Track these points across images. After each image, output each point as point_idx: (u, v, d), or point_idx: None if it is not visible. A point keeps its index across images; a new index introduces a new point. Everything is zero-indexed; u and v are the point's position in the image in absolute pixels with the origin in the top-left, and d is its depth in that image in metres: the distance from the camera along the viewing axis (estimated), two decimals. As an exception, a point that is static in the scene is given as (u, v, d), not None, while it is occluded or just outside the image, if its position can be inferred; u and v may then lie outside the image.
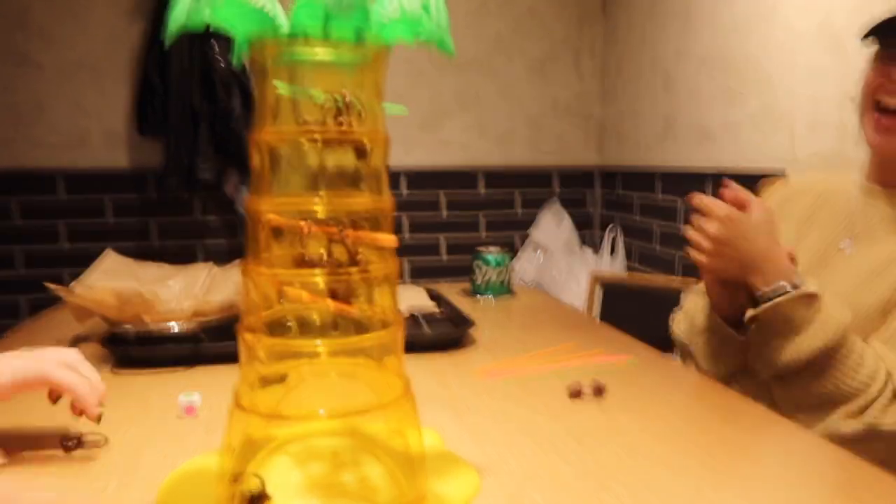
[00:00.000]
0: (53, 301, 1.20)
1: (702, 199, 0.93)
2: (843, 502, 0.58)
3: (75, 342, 1.05)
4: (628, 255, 2.98)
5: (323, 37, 0.50)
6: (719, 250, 0.89)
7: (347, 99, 0.52)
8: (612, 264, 2.95)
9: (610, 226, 3.08)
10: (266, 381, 0.52)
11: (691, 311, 1.04)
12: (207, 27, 0.52)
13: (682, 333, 1.06)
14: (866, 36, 0.93)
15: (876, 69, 0.93)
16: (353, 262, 0.50)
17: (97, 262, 1.17)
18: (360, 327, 0.53)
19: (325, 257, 0.50)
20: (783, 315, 0.84)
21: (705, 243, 0.90)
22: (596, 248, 3.24)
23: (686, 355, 1.05)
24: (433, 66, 3.07)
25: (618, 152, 3.09)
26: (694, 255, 0.92)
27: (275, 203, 0.51)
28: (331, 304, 0.50)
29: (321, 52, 0.52)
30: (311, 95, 0.51)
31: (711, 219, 0.90)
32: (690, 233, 0.93)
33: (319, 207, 0.50)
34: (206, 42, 2.67)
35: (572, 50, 3.20)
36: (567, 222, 3.14)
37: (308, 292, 0.50)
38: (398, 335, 0.54)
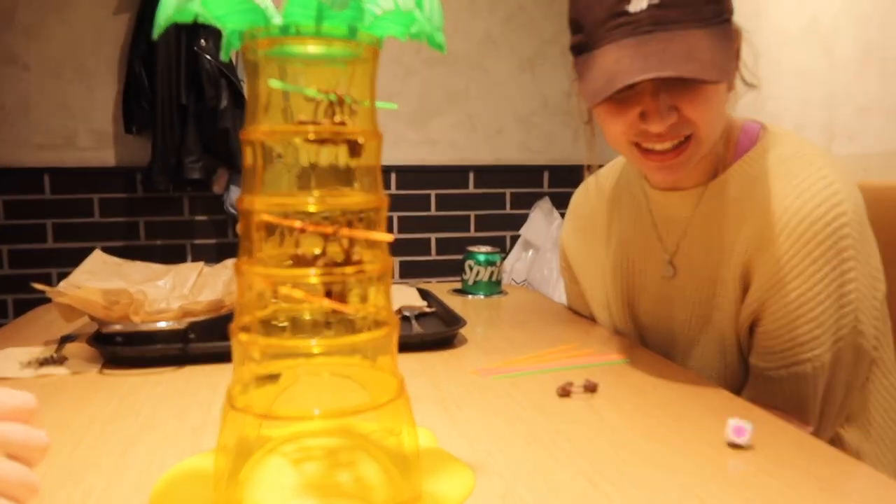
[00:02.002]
0: (40, 300, 1.19)
1: None
2: (831, 499, 0.58)
3: (63, 342, 1.04)
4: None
5: (316, 31, 0.49)
6: None
7: (340, 95, 0.51)
8: (602, 262, 2.96)
9: (599, 224, 3.08)
10: (260, 381, 0.51)
11: None
12: (196, 21, 0.51)
13: None
14: (589, 106, 0.87)
15: (610, 112, 0.85)
16: (348, 260, 0.50)
17: (85, 261, 1.16)
18: (355, 326, 0.52)
19: (319, 256, 0.50)
20: None
21: None
22: (586, 245, 3.25)
23: None
24: (423, 63, 3.07)
25: (608, 149, 3.09)
26: None
27: (268, 201, 0.50)
28: (326, 304, 0.49)
29: (314, 47, 0.51)
30: (303, 91, 0.51)
31: None
32: None
33: (313, 205, 0.50)
34: (193, 37, 2.65)
35: (562, 48, 3.21)
36: (557, 221, 3.15)
37: (303, 291, 0.49)
38: (393, 334, 0.54)
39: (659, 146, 0.84)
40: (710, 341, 0.95)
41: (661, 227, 1.00)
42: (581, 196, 1.19)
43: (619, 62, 0.75)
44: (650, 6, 0.74)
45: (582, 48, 0.84)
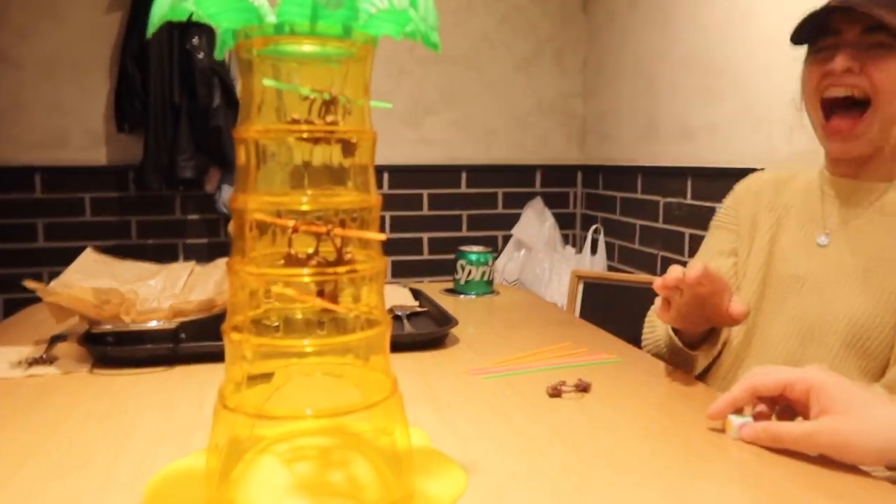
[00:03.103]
0: (31, 300, 1.18)
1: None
2: (822, 499, 0.59)
3: (53, 341, 1.04)
4: (609, 254, 3.00)
5: (310, 30, 0.49)
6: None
7: (334, 94, 0.51)
8: (594, 262, 2.97)
9: (594, 227, 3.09)
10: (252, 381, 0.51)
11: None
12: (189, 19, 0.51)
13: (650, 338, 1.08)
14: (795, 41, 0.98)
15: (811, 69, 0.98)
16: (341, 260, 0.50)
17: (76, 260, 1.15)
18: (347, 326, 0.52)
19: (312, 255, 0.50)
20: None
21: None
22: (578, 246, 3.25)
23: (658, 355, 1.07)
24: (416, 62, 3.07)
25: (600, 150, 3.10)
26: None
27: (261, 201, 0.50)
28: (318, 303, 0.49)
29: (308, 46, 0.51)
30: (297, 90, 0.51)
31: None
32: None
33: (306, 205, 0.50)
34: (185, 36, 2.64)
35: (556, 48, 3.21)
36: (549, 220, 3.15)
37: (295, 291, 0.49)
38: (385, 334, 0.54)
39: (836, 92, 0.94)
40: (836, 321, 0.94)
41: (828, 205, 1.03)
42: (768, 174, 1.19)
43: (825, 9, 0.91)
44: None
45: (802, 26, 0.97)
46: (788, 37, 0.98)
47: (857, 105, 0.93)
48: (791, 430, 0.67)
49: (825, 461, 0.65)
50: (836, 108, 0.95)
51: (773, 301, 1.02)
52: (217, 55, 0.56)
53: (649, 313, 1.10)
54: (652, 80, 2.64)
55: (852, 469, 0.64)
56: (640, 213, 2.76)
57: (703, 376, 1.03)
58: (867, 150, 0.96)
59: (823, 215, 1.03)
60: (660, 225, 2.60)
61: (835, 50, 0.94)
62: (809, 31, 0.96)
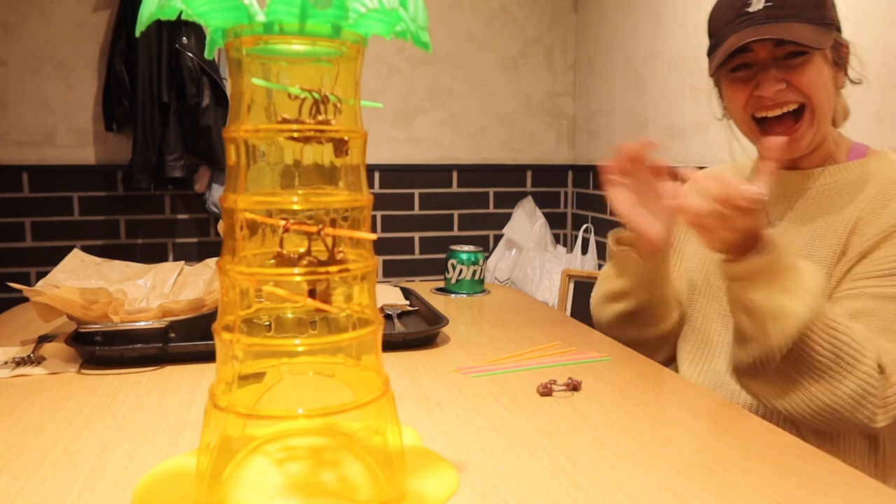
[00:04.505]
0: (18, 300, 1.18)
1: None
2: (809, 496, 0.59)
3: (40, 341, 1.03)
4: (600, 253, 3.01)
5: (300, 30, 0.49)
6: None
7: (323, 93, 0.51)
8: (584, 262, 2.98)
9: (584, 226, 3.10)
10: (243, 380, 0.51)
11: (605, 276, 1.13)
12: (179, 18, 0.51)
13: (600, 297, 1.13)
14: (714, 72, 1.02)
15: (734, 90, 1.01)
16: (332, 259, 0.50)
17: (64, 260, 1.15)
18: (339, 325, 0.52)
19: (303, 255, 0.50)
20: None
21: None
22: (568, 245, 3.26)
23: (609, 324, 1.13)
24: (406, 62, 3.06)
25: (590, 149, 3.11)
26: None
27: (251, 200, 0.50)
28: (309, 303, 0.49)
29: (298, 45, 0.51)
30: (287, 90, 0.51)
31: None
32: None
33: (297, 204, 0.50)
34: (174, 35, 2.63)
35: (545, 47, 3.22)
36: (540, 220, 3.16)
37: (286, 290, 0.49)
38: (377, 333, 0.54)
39: (771, 113, 0.98)
40: None
41: (768, 201, 1.02)
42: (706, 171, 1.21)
43: (737, 40, 0.95)
44: (766, 7, 0.95)
45: (713, 48, 1.02)
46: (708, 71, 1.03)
47: (790, 114, 0.98)
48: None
49: (814, 463, 0.66)
50: (769, 120, 0.99)
51: (720, 300, 1.07)
52: (207, 54, 0.56)
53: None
54: (641, 80, 2.65)
55: (839, 470, 0.64)
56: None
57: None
58: (809, 149, 1.00)
59: (766, 210, 1.06)
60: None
61: (753, 70, 0.98)
62: (726, 60, 0.98)
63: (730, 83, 1.02)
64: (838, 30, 0.99)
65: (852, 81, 1.02)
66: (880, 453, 0.93)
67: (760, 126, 1.00)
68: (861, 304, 0.89)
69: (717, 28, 1.01)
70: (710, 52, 1.03)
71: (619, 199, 1.02)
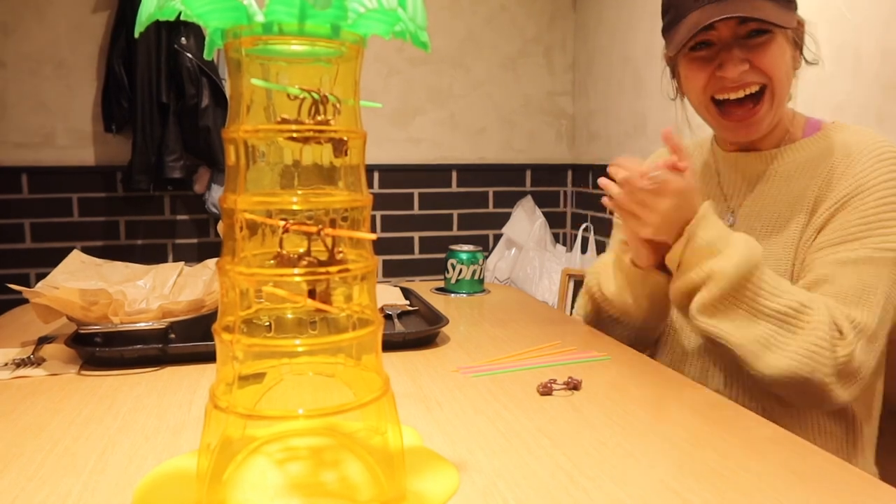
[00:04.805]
0: (18, 301, 1.18)
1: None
2: (808, 492, 0.59)
3: (40, 343, 1.03)
4: (600, 252, 3.01)
5: (299, 30, 0.49)
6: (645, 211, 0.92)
7: (322, 93, 0.51)
8: (584, 261, 2.98)
9: (584, 225, 3.10)
10: (244, 381, 0.51)
11: (599, 268, 1.14)
12: (178, 19, 0.51)
13: (593, 290, 1.13)
14: (672, 54, 0.99)
15: (694, 69, 0.98)
16: (332, 259, 0.50)
17: (63, 261, 1.15)
18: (339, 325, 0.52)
19: (303, 255, 0.50)
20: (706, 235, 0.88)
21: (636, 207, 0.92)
22: (568, 244, 3.26)
23: (600, 320, 1.14)
24: (405, 62, 3.06)
25: (589, 149, 3.11)
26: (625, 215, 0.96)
27: (251, 201, 0.50)
28: (309, 303, 0.49)
29: (297, 46, 0.51)
30: (286, 90, 0.51)
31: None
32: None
33: (297, 204, 0.50)
34: (173, 35, 2.63)
35: (544, 47, 3.22)
36: (540, 219, 3.16)
37: (286, 291, 0.49)
38: (377, 333, 0.54)
39: (734, 95, 0.95)
40: None
41: (727, 185, 1.07)
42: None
43: (701, 17, 0.91)
44: None
45: (671, 24, 0.98)
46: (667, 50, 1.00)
47: (750, 96, 0.95)
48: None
49: (811, 460, 0.66)
50: (729, 103, 0.97)
51: None
52: (206, 55, 0.56)
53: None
54: (640, 79, 2.65)
55: (837, 466, 0.64)
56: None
57: None
58: (767, 130, 0.99)
59: (725, 196, 1.06)
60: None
61: (715, 49, 0.95)
62: (683, 41, 0.94)
63: (689, 63, 0.98)
64: (795, 7, 0.97)
65: (808, 62, 1.00)
66: (858, 434, 0.94)
67: (719, 108, 0.97)
68: (818, 273, 0.90)
69: (675, 3, 0.97)
70: (667, 30, 0.99)
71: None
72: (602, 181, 0.94)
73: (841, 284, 0.87)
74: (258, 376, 0.52)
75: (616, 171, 0.92)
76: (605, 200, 0.95)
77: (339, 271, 0.50)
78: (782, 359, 0.83)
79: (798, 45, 0.98)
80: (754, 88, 0.94)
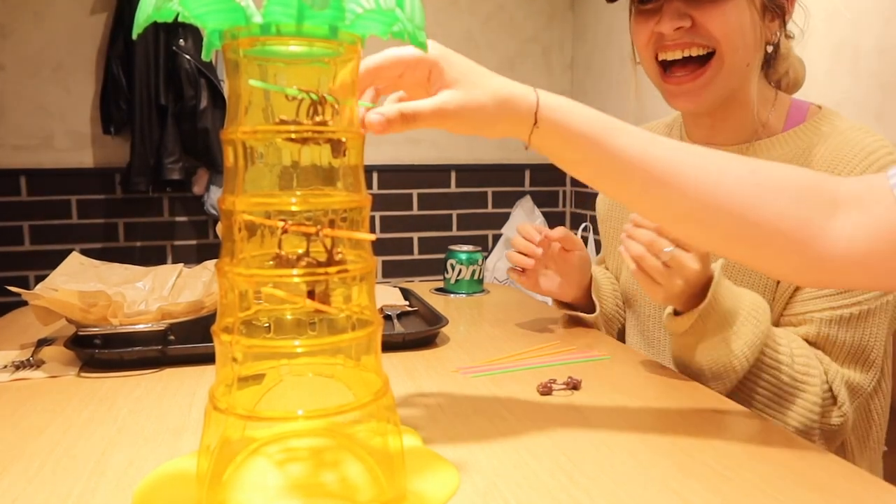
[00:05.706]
0: (16, 304, 1.17)
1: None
2: (808, 492, 0.59)
3: (39, 345, 1.03)
4: (599, 252, 3.01)
5: (296, 31, 0.49)
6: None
7: (320, 94, 0.51)
8: (584, 261, 2.98)
9: (583, 225, 3.10)
10: (243, 382, 0.51)
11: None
12: (176, 20, 0.51)
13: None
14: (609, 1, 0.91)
15: (638, 25, 0.91)
16: (331, 260, 0.50)
17: (62, 263, 1.15)
18: (338, 326, 0.52)
19: (302, 256, 0.50)
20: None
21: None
22: (567, 244, 3.26)
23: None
24: (403, 63, 3.06)
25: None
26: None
27: (250, 202, 0.50)
28: (308, 304, 0.49)
29: (295, 47, 0.51)
30: (284, 91, 0.51)
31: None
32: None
33: (296, 205, 0.50)
34: (172, 37, 2.63)
35: (542, 47, 3.22)
36: (539, 219, 3.16)
37: (285, 292, 0.49)
38: (377, 334, 0.54)
39: (671, 55, 0.87)
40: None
41: None
42: None
43: None
44: None
45: None
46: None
47: (696, 59, 0.88)
48: (423, 106, 0.60)
49: (814, 461, 0.66)
50: (673, 64, 0.89)
51: (649, 305, 1.10)
52: (204, 56, 0.56)
53: None
54: (639, 78, 2.65)
55: (840, 467, 0.64)
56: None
57: None
58: (716, 104, 0.90)
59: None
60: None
61: (660, 2, 0.87)
62: None
63: (636, 16, 0.91)
64: None
65: (787, 36, 0.91)
66: (866, 432, 0.94)
67: (664, 70, 0.91)
68: (815, 332, 0.85)
69: None
70: None
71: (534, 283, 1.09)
72: (626, 240, 0.84)
73: (842, 346, 0.84)
74: (257, 377, 0.52)
75: (639, 233, 0.82)
76: (623, 254, 0.85)
77: (339, 272, 0.50)
78: (780, 420, 0.84)
79: (776, 13, 0.87)
80: (699, 51, 0.86)
